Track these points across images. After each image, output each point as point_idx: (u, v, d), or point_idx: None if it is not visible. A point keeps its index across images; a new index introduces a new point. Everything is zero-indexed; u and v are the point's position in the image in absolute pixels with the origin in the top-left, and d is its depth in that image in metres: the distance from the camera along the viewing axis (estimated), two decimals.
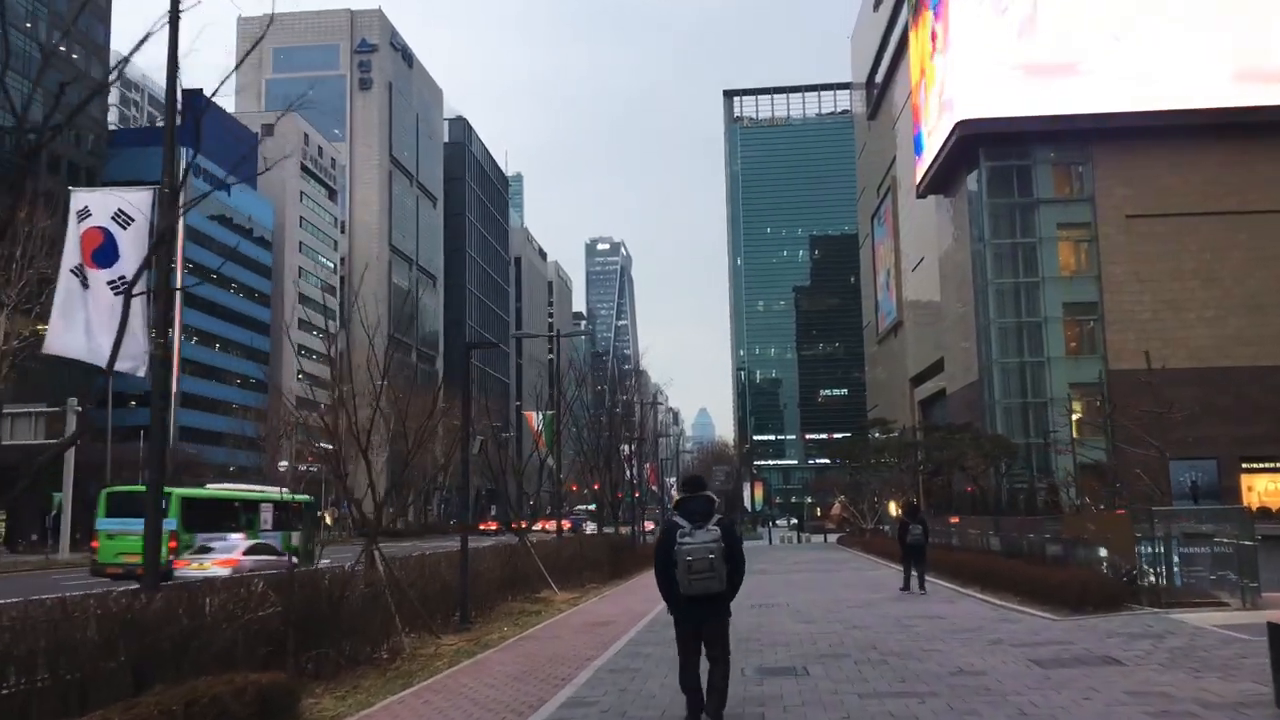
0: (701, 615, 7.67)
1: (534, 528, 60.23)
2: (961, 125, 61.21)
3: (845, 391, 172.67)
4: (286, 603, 10.02)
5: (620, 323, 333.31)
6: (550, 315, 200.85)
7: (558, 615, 16.90)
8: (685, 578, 7.42)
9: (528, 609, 17.85)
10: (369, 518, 14.52)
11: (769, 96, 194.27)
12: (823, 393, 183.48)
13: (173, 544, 26.28)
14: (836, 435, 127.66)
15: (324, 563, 16.28)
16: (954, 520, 27.59)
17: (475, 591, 16.73)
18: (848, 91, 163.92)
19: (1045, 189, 62.18)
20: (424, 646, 12.80)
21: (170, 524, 27.21)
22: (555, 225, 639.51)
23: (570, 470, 36.30)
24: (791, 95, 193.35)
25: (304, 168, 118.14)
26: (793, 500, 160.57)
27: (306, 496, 40.54)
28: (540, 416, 27.36)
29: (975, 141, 61.45)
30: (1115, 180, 60.80)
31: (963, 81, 61.56)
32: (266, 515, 34.46)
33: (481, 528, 63.47)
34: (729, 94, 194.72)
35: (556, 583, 22.93)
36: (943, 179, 68.08)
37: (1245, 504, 48.70)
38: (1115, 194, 60.67)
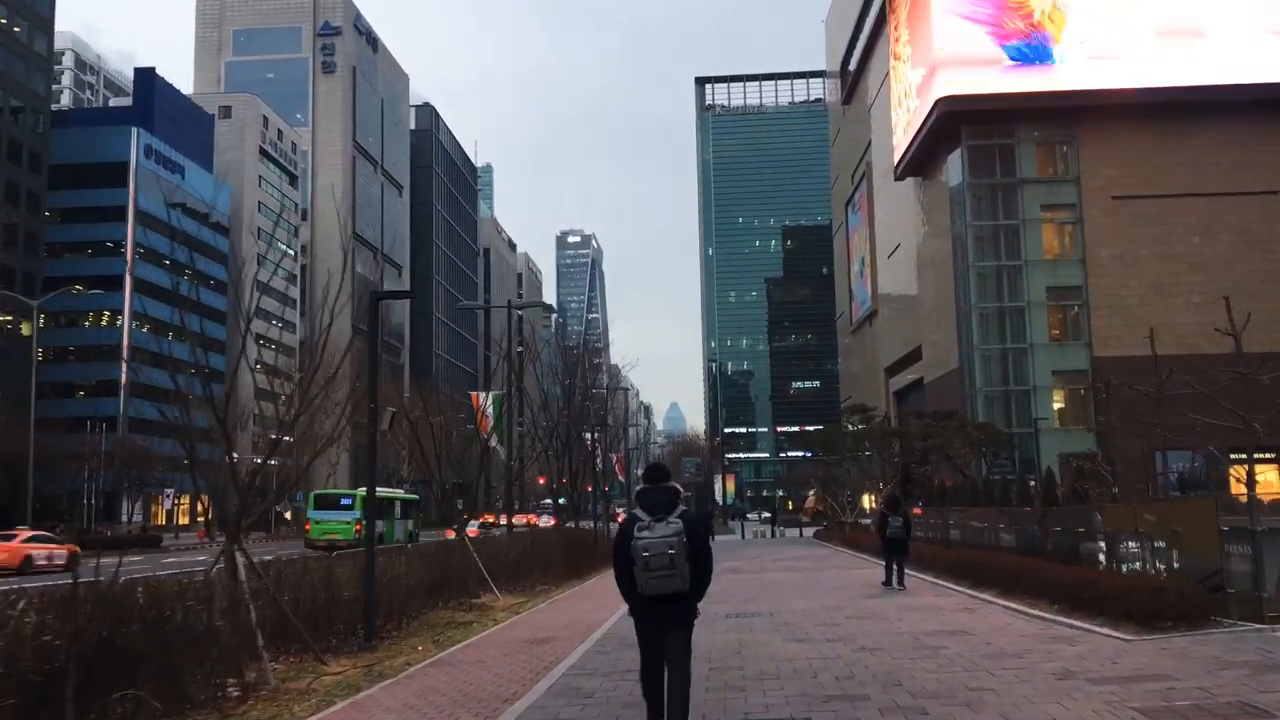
0: (663, 616, 6.88)
1: (500, 522, 58.67)
2: (943, 102, 58.69)
3: (818, 384, 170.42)
4: (70, 627, 7.00)
5: (591, 316, 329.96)
6: (523, 317, 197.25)
7: (492, 628, 13.83)
8: (643, 576, 6.75)
9: (458, 619, 14.81)
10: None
11: (741, 84, 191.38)
12: (795, 385, 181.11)
13: (358, 528, 33.80)
14: (809, 428, 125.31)
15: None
16: (964, 512, 24.62)
17: (392, 599, 13.72)
18: (821, 80, 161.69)
19: (1029, 169, 59.92)
20: (299, 677, 9.74)
21: (356, 514, 36.95)
22: (526, 219, 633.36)
23: (525, 456, 33.25)
24: (764, 83, 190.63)
25: (263, 151, 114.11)
26: (764, 494, 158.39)
27: (414, 496, 52.74)
28: (488, 397, 24.31)
29: (957, 119, 58.99)
30: (1101, 160, 58.63)
31: (945, 56, 59.05)
32: (399, 507, 45.40)
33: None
34: (701, 81, 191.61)
35: (504, 585, 19.98)
36: (922, 160, 65.61)
37: (1234, 496, 46.62)
38: (1101, 174, 58.52)
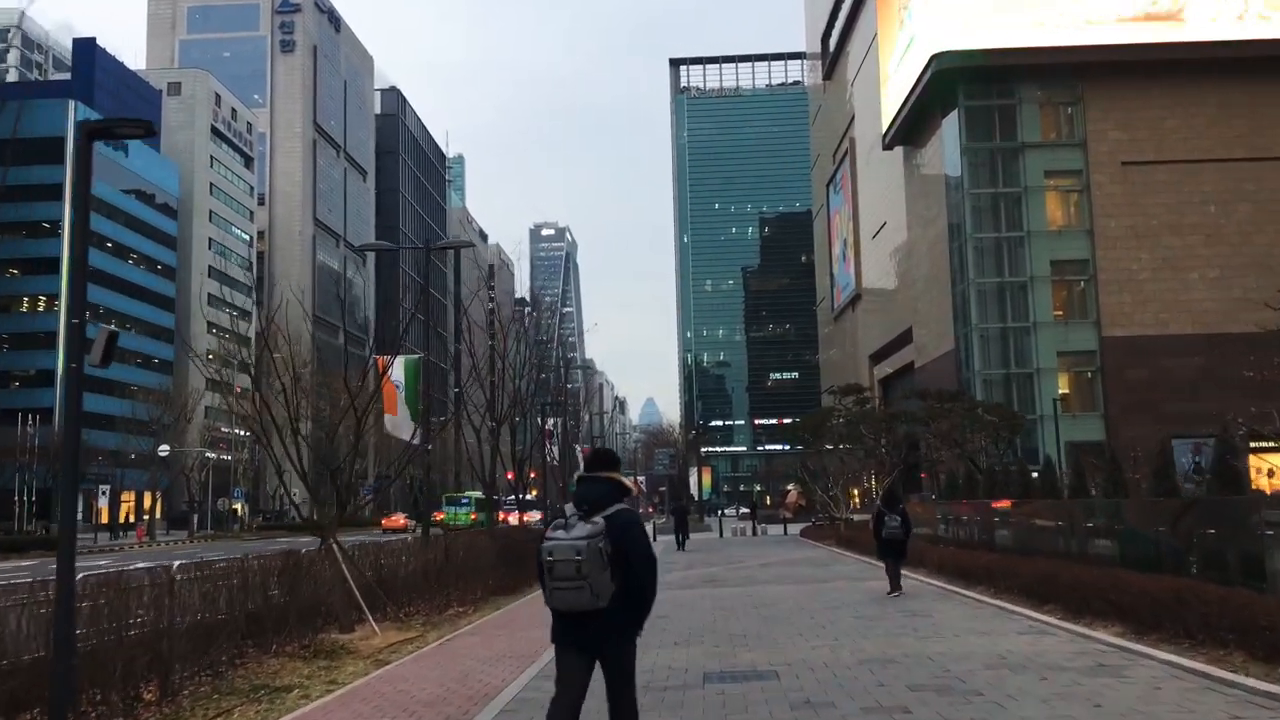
0: (584, 639, 5.37)
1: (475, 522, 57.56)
2: (937, 59, 53.88)
3: (796, 375, 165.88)
4: None
5: (565, 309, 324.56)
6: (491, 300, 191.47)
7: (315, 701, 8.43)
8: (549, 585, 5.39)
9: (284, 677, 9.50)
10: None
11: (717, 66, 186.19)
12: (773, 376, 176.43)
13: (474, 516, 39.67)
14: (787, 420, 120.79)
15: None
16: (1002, 504, 19.58)
17: (160, 648, 8.43)
18: (799, 62, 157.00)
19: (1031, 132, 55.31)
20: None
21: (472, 507, 48.68)
22: (501, 212, 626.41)
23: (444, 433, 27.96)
24: (741, 65, 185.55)
25: (215, 130, 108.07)
26: (741, 488, 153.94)
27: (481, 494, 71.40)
28: (400, 363, 18.96)
29: (952, 77, 54.26)
30: (1109, 122, 54.18)
31: (938, 8, 54.23)
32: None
33: (385, 524, 59.81)
34: (675, 63, 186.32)
35: (399, 609, 14.75)
36: (913, 125, 60.92)
37: (1255, 487, 42.27)
38: (1109, 138, 54.12)
